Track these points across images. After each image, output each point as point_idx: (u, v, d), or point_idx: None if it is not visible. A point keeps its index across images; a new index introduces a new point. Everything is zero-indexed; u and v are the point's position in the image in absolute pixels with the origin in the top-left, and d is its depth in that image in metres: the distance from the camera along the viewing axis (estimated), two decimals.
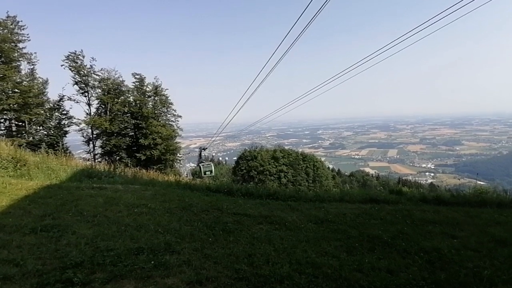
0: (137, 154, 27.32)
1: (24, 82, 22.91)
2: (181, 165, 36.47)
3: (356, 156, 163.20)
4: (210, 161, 15.34)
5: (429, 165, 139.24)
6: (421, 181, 79.48)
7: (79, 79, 26.10)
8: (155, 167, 25.86)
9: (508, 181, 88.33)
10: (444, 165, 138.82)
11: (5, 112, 21.74)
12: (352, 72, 6.75)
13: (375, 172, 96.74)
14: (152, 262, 3.99)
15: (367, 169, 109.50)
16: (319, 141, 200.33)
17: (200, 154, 15.35)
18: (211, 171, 14.11)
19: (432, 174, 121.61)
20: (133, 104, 28.91)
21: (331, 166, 78.07)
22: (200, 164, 14.30)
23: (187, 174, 47.84)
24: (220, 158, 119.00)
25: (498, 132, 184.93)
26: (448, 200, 9.18)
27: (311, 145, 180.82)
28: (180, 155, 32.77)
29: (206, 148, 14.70)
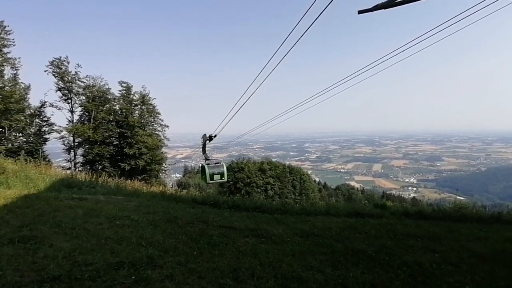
0: (121, 164, 26.66)
1: (7, 87, 22.13)
2: (166, 176, 35.80)
3: (342, 170, 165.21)
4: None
5: (411, 180, 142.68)
6: (404, 195, 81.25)
7: (62, 85, 25.44)
8: (139, 177, 25.27)
9: (486, 197, 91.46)
10: (426, 180, 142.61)
11: None
12: (340, 87, 6.93)
13: (360, 186, 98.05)
14: (133, 277, 3.87)
15: (352, 183, 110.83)
16: (306, 154, 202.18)
17: (204, 146, 9.20)
18: (222, 175, 8.41)
19: (415, 189, 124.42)
20: (119, 112, 28.40)
21: (317, 179, 78.63)
22: (204, 164, 8.63)
23: (172, 185, 46.95)
24: None
25: (476, 149, 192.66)
26: (429, 214, 9.44)
27: (298, 158, 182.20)
28: (165, 166, 32.24)
29: (216, 136, 9.10)
